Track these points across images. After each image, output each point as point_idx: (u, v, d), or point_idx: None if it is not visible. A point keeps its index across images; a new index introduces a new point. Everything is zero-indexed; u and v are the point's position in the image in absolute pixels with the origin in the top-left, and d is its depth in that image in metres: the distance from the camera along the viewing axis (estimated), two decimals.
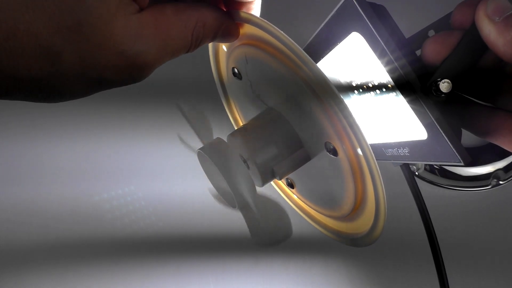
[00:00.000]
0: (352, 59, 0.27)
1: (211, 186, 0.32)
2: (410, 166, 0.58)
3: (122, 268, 0.58)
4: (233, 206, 0.30)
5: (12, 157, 0.56)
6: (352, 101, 0.30)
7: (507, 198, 0.58)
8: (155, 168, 0.58)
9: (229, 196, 0.30)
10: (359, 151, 0.26)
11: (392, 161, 0.31)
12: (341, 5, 0.24)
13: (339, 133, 0.26)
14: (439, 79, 0.23)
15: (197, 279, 0.59)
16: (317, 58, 0.29)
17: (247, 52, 0.30)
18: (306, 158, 0.31)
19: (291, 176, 0.36)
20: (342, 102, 0.24)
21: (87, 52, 0.22)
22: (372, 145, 0.32)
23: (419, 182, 0.59)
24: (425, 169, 0.59)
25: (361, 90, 0.28)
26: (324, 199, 0.34)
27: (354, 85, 0.29)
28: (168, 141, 0.57)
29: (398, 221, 0.55)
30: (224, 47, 0.33)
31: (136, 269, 0.58)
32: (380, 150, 0.32)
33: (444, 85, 0.23)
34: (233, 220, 0.31)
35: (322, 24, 0.27)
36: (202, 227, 0.59)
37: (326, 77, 0.24)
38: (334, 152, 0.27)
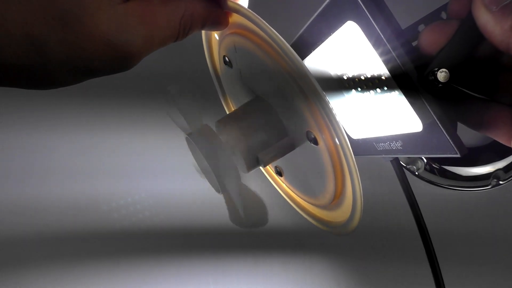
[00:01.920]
0: (346, 49, 0.26)
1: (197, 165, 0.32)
2: (410, 166, 0.58)
3: (121, 268, 0.57)
4: (217, 191, 0.31)
5: (12, 154, 0.56)
6: (344, 94, 0.30)
7: (507, 198, 0.58)
8: (155, 166, 0.58)
9: (214, 180, 0.30)
10: (337, 140, 0.26)
11: (383, 155, 0.31)
12: None
13: (318, 123, 0.27)
14: (436, 69, 0.23)
15: (197, 279, 0.59)
16: (310, 49, 0.29)
17: (236, 41, 0.30)
18: (291, 147, 0.31)
19: (280, 164, 0.36)
20: (318, 91, 0.24)
21: (72, 42, 0.22)
22: (363, 140, 0.32)
23: (420, 182, 0.59)
24: (425, 169, 0.59)
25: (354, 82, 0.28)
26: (308, 187, 0.34)
27: (346, 77, 0.28)
28: (169, 139, 0.57)
29: (397, 220, 0.55)
30: (216, 35, 0.33)
31: (135, 269, 0.58)
32: (371, 145, 0.31)
33: (442, 75, 0.23)
34: None
35: (315, 14, 0.26)
36: (202, 227, 0.59)
37: (305, 66, 0.24)
38: (315, 141, 0.28)
